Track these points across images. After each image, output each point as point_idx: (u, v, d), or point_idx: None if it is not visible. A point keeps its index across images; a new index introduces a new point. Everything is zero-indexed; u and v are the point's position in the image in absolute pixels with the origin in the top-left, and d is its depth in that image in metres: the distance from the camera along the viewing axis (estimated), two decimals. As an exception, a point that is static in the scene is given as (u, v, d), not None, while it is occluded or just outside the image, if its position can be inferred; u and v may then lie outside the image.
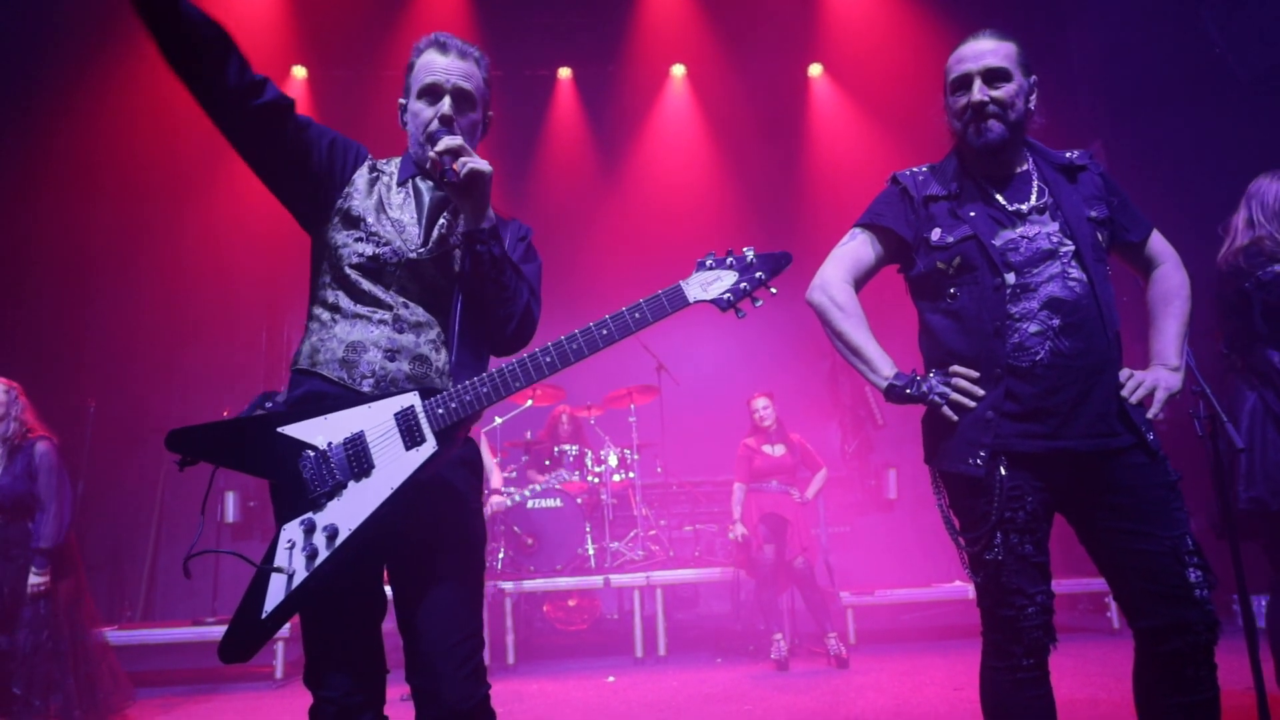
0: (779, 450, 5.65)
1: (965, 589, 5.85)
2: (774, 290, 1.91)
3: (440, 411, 1.75)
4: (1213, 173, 6.30)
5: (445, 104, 1.90)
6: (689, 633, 6.58)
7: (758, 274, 1.89)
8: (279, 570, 1.64)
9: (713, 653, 5.81)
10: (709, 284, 1.87)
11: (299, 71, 8.09)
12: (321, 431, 1.72)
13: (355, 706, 1.77)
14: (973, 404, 2.01)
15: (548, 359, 1.79)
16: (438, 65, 1.92)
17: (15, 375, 4.34)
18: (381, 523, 1.69)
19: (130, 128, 7.49)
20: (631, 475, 6.67)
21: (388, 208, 1.91)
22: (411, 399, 1.76)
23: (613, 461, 6.65)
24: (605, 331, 1.79)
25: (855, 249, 2.23)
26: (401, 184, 1.95)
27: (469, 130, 1.94)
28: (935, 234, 2.12)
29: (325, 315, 1.87)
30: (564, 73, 8.67)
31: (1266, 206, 3.02)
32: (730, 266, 1.89)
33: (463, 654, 1.75)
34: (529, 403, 6.81)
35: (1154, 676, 1.95)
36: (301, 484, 1.70)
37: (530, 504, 6.19)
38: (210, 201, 7.67)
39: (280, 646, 5.48)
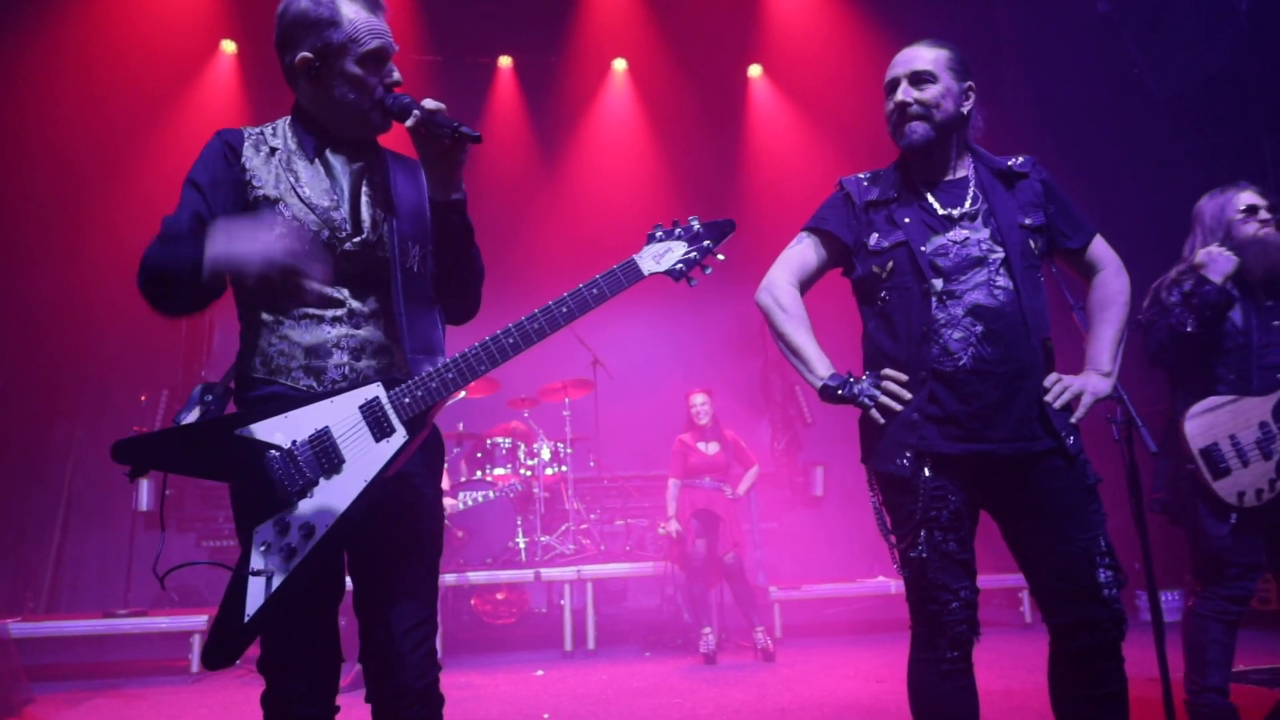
0: (713, 448, 5.71)
1: (888, 584, 6.00)
2: (721, 257, 1.94)
3: (407, 400, 1.70)
4: (1136, 186, 6.59)
5: (395, 71, 1.79)
6: (618, 626, 6.60)
7: (705, 242, 1.91)
8: (257, 574, 1.60)
9: (641, 646, 5.84)
10: (660, 256, 1.88)
11: (228, 46, 7.81)
12: (282, 430, 1.67)
13: (310, 695, 1.74)
14: (899, 407, 2.06)
15: (510, 340, 1.73)
16: (378, 26, 1.76)
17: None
18: (357, 516, 1.66)
19: (53, 95, 7.12)
20: (564, 469, 6.65)
21: (300, 190, 1.77)
22: (375, 390, 1.71)
23: (545, 455, 6.62)
24: (565, 309, 1.75)
25: (801, 252, 2.28)
26: (309, 158, 1.80)
27: None
28: (873, 239, 2.18)
29: (266, 316, 1.76)
30: (505, 61, 8.60)
31: (1204, 224, 3.04)
32: (679, 237, 1.91)
33: (419, 636, 1.77)
34: (462, 394, 6.72)
35: (1066, 669, 2.05)
36: (270, 485, 1.64)
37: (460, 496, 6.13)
38: (130, 177, 7.33)
39: (196, 640, 5.30)
